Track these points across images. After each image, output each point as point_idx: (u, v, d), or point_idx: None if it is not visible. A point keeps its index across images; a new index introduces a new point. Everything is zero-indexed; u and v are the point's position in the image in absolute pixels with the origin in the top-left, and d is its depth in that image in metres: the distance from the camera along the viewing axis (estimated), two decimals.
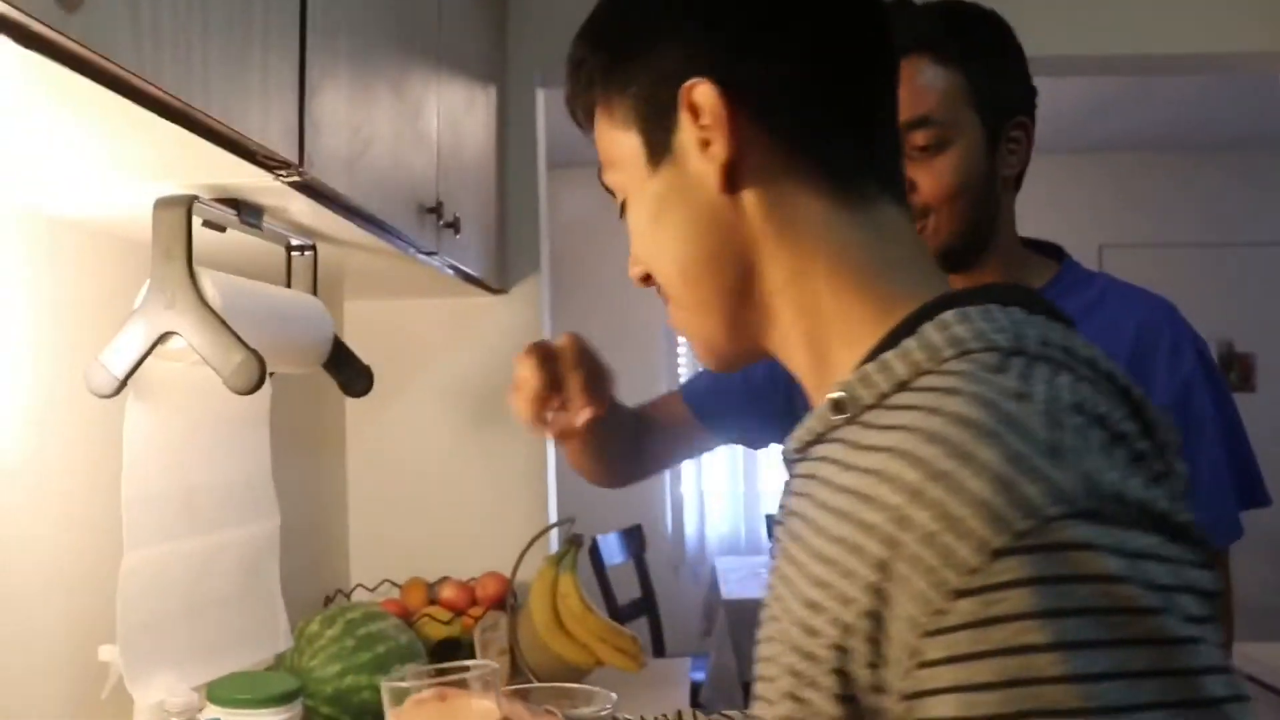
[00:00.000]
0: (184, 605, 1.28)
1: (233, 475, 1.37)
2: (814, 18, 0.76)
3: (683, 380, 5.24)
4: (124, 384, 1.13)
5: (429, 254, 1.70)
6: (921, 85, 1.20)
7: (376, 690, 1.58)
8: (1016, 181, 1.30)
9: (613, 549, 4.28)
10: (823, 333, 0.75)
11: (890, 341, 0.68)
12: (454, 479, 2.39)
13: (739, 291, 0.77)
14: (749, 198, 0.74)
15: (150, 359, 1.14)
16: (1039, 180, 5.72)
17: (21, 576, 1.22)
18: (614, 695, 1.07)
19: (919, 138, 1.18)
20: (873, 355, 0.69)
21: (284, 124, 1.06)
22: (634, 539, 4.47)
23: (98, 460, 1.32)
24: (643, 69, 0.77)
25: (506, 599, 2.13)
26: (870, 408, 0.67)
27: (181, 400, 1.27)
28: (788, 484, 0.77)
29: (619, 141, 0.79)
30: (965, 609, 0.54)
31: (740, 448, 5.26)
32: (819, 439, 0.71)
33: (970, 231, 1.23)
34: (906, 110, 0.93)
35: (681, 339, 5.26)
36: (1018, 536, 0.53)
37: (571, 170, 3.81)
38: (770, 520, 4.99)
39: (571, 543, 2.06)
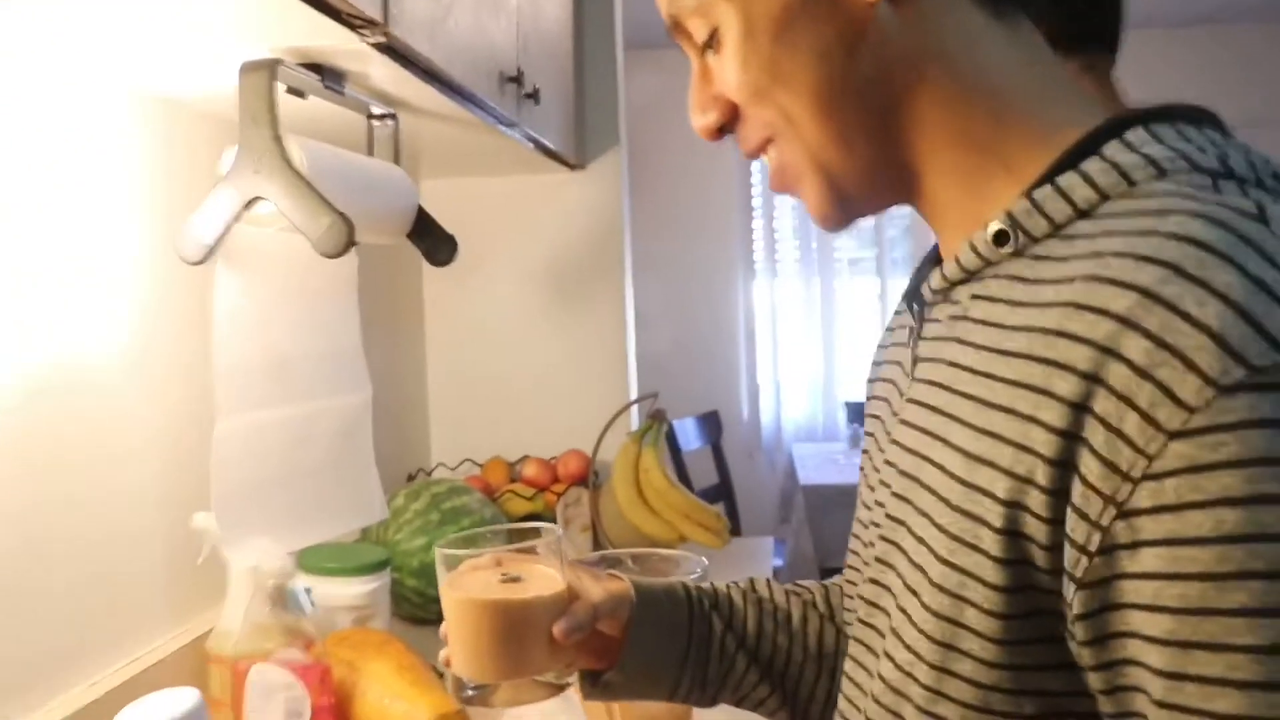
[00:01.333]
0: (278, 472, 1.32)
1: (324, 344, 1.40)
2: None
3: (758, 266, 5.23)
4: (212, 250, 1.15)
5: (509, 125, 1.69)
6: None
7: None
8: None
9: (689, 434, 4.32)
10: (979, 161, 0.66)
11: (1064, 165, 0.61)
12: (533, 357, 2.41)
13: (887, 119, 0.66)
14: (904, 3, 0.64)
15: (238, 225, 1.16)
16: (1142, 58, 5.53)
17: (119, 445, 1.27)
18: (704, 560, 1.08)
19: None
20: (1042, 181, 0.62)
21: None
22: (710, 425, 4.50)
23: (192, 329, 1.36)
24: None
25: (589, 475, 2.16)
26: (1041, 239, 0.61)
27: (270, 267, 1.29)
28: (915, 330, 0.72)
29: None
30: (1181, 452, 0.48)
31: (819, 334, 5.26)
32: (971, 277, 0.65)
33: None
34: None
35: (758, 220, 5.22)
36: (1254, 373, 0.47)
37: (645, 52, 3.76)
38: (851, 406, 5.00)
39: (654, 418, 2.08)
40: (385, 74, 1.26)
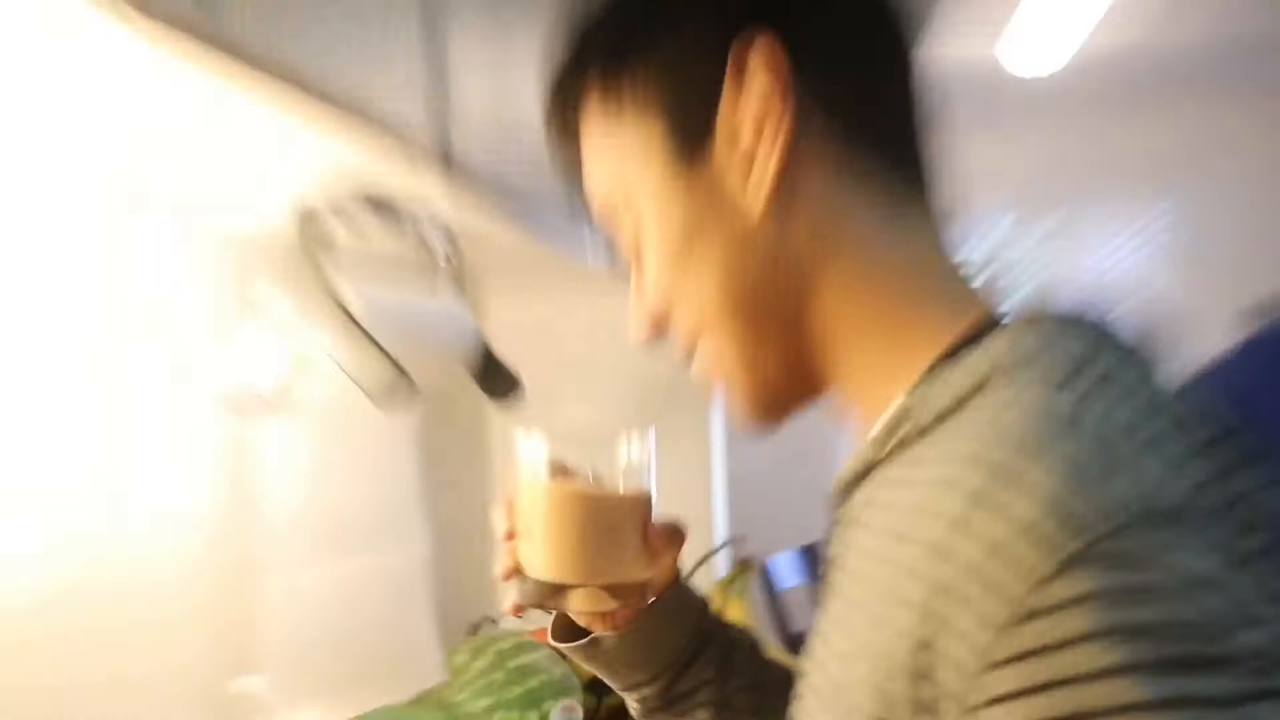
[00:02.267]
0: (330, 633, 1.31)
1: (379, 496, 1.40)
2: None
3: None
4: (267, 402, 1.17)
5: (577, 246, 1.72)
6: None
7: None
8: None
9: (788, 570, 4.24)
10: (881, 354, 0.70)
11: (949, 358, 0.65)
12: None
13: (790, 321, 0.70)
14: (805, 201, 0.67)
15: (292, 374, 1.17)
16: None
17: (160, 614, 1.27)
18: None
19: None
20: (930, 374, 0.66)
21: (427, 118, 1.08)
22: (813, 558, 4.42)
23: (239, 484, 1.37)
24: (671, 32, 0.68)
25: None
26: (924, 430, 0.64)
27: (324, 418, 1.30)
28: (834, 526, 0.74)
29: (627, 142, 0.71)
30: (1015, 642, 0.51)
31: None
32: (869, 469, 0.68)
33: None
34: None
35: None
36: (1068, 558, 0.50)
37: None
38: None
39: (742, 566, 2.05)
40: (444, 207, 1.28)
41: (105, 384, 1.19)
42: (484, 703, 1.72)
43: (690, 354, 0.76)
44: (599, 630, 0.91)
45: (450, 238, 1.44)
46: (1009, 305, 0.69)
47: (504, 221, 1.37)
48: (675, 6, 0.69)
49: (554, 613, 0.91)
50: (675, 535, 0.84)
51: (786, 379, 0.74)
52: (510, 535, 0.86)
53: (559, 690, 1.77)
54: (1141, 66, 4.58)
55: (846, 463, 0.70)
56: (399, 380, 1.10)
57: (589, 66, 0.73)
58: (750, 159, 0.67)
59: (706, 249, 0.70)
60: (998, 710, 0.51)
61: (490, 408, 1.51)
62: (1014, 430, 0.56)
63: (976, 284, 0.71)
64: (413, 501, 1.45)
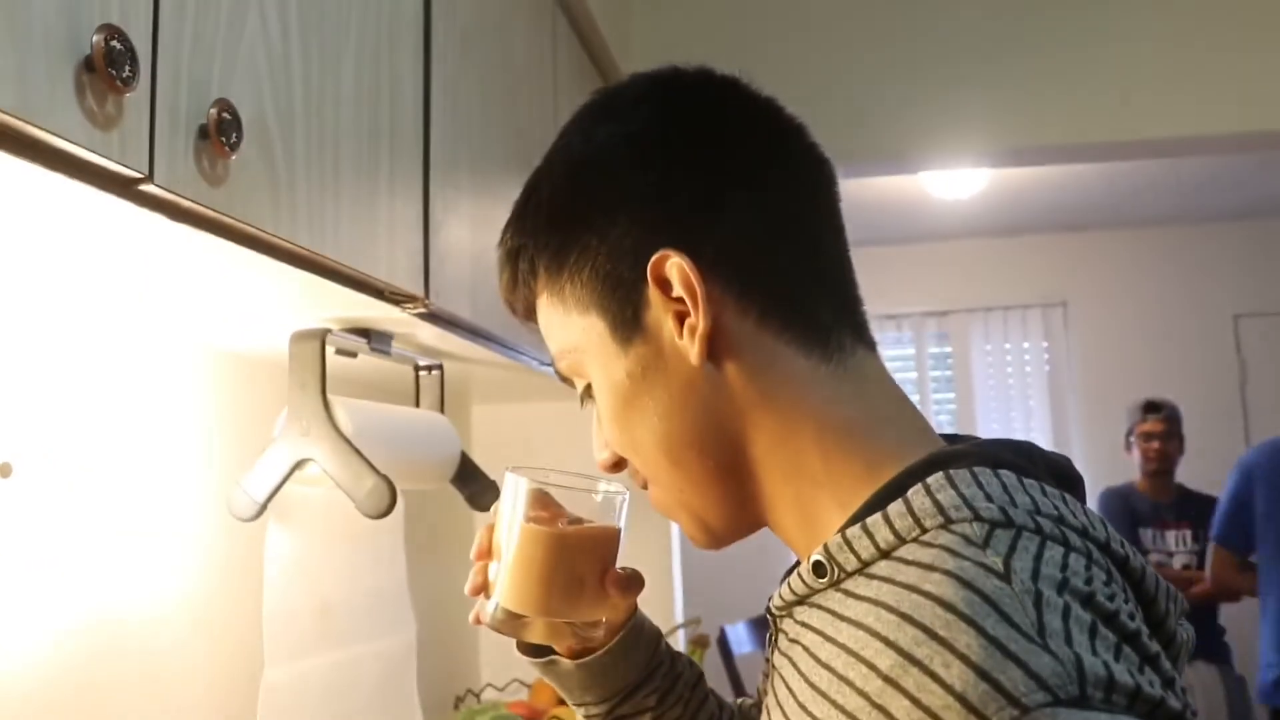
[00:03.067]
0: (324, 718, 1.32)
1: (369, 589, 1.42)
2: (759, 167, 0.74)
3: None
4: (264, 508, 1.19)
5: (549, 364, 1.74)
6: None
7: None
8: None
9: (743, 638, 4.24)
10: (812, 495, 0.72)
11: (876, 504, 0.66)
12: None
13: (728, 463, 0.73)
14: (730, 365, 0.71)
15: (289, 483, 1.20)
16: (1170, 251, 5.60)
17: (168, 699, 1.28)
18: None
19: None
20: (856, 518, 0.66)
21: (409, 261, 1.12)
22: (767, 627, 4.42)
23: (246, 581, 1.39)
24: (598, 248, 0.73)
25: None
26: (851, 574, 0.65)
27: (318, 522, 1.33)
28: (771, 637, 0.76)
29: (574, 327, 0.76)
30: None
31: None
32: (801, 600, 0.69)
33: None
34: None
35: None
36: None
37: None
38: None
39: (697, 644, 2.06)
40: (429, 334, 1.32)
41: (112, 487, 1.21)
42: None
43: (644, 485, 0.80)
44: (558, 651, 0.92)
45: (430, 358, 1.48)
46: (928, 446, 0.71)
47: (478, 347, 1.41)
48: (596, 234, 0.74)
49: None
50: (634, 581, 0.83)
51: (726, 519, 0.77)
52: (481, 555, 0.87)
53: None
54: (1047, 191, 4.76)
55: (782, 588, 0.71)
56: (384, 492, 1.12)
57: (534, 267, 0.78)
58: (675, 348, 0.72)
59: (649, 399, 0.73)
60: None
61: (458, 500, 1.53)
62: (944, 590, 0.56)
63: (897, 424, 0.73)
64: (401, 590, 1.47)
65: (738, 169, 0.74)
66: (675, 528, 2.45)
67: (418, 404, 1.52)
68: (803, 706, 0.62)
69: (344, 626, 1.36)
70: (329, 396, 1.19)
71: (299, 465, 1.18)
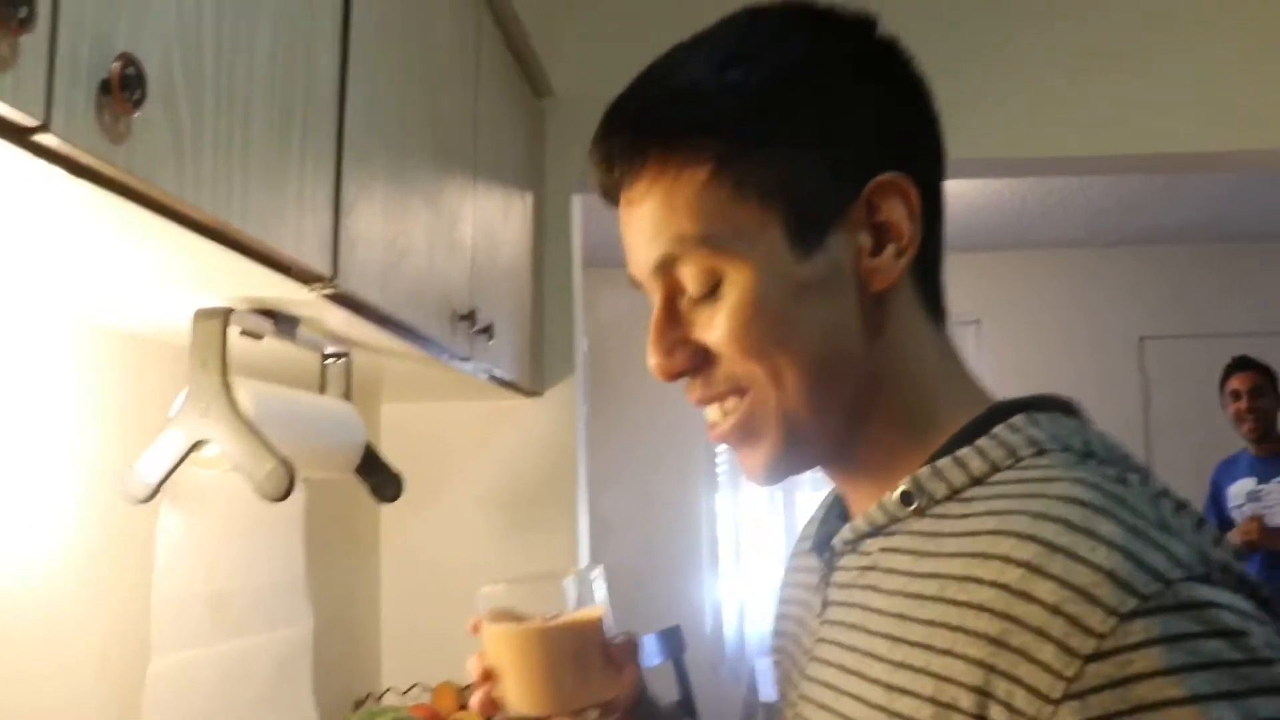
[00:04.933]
0: (213, 711, 1.29)
1: (265, 579, 1.39)
2: (938, 126, 0.79)
3: (720, 479, 5.30)
4: (157, 490, 1.16)
5: (462, 359, 1.73)
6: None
7: None
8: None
9: (650, 650, 4.24)
10: (903, 438, 0.75)
11: (961, 441, 0.71)
12: (486, 578, 2.39)
13: (855, 396, 0.74)
14: (891, 305, 0.74)
15: (186, 465, 1.17)
16: (1078, 273, 5.74)
17: (51, 680, 1.24)
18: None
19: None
20: (942, 453, 0.72)
21: (319, 240, 1.11)
22: (672, 640, 4.43)
23: (134, 566, 1.35)
24: (810, 146, 0.73)
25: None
26: (940, 501, 0.70)
27: (215, 506, 1.30)
28: (825, 577, 0.79)
29: (739, 214, 0.72)
30: (1099, 671, 0.55)
31: (782, 547, 5.27)
32: (878, 531, 0.73)
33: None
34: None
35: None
36: (1145, 600, 0.56)
37: (612, 270, 3.87)
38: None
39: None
40: (337, 318, 1.30)
41: (21, 456, 1.17)
42: None
43: (716, 399, 0.76)
44: None
45: (338, 345, 1.46)
46: (990, 402, 0.77)
47: (389, 336, 1.39)
48: (814, 132, 0.73)
49: None
50: (631, 647, 0.84)
51: (816, 448, 0.77)
52: (484, 678, 0.87)
53: None
54: (961, 211, 4.85)
55: (854, 522, 0.75)
56: (283, 475, 1.10)
57: (706, 140, 0.73)
58: (858, 269, 0.73)
59: (821, 310, 0.73)
60: None
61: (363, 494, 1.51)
62: (1074, 491, 0.62)
63: (970, 382, 0.79)
64: (298, 582, 1.44)
65: (932, 118, 0.79)
66: (583, 522, 2.45)
67: (323, 393, 1.49)
68: (901, 616, 0.66)
69: (237, 616, 1.33)
70: (231, 378, 1.17)
71: (196, 446, 1.16)
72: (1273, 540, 3.68)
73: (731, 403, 0.76)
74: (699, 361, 0.75)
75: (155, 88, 0.76)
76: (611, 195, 0.79)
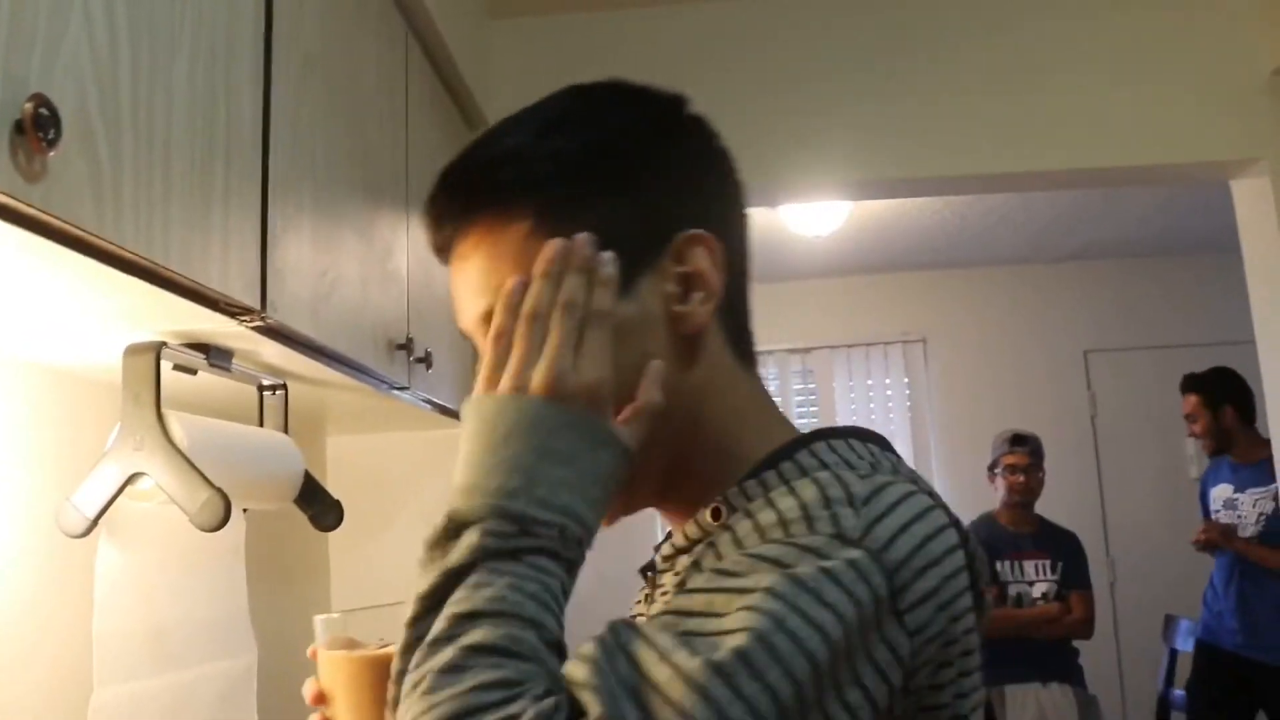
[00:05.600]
0: None
1: (206, 611, 1.41)
2: (740, 186, 0.88)
3: None
4: (95, 523, 1.18)
5: (400, 389, 1.76)
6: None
7: None
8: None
9: None
10: (723, 471, 0.81)
11: (767, 464, 0.80)
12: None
13: (674, 434, 0.81)
14: (700, 348, 0.82)
15: (122, 499, 1.19)
16: (1022, 289, 5.80)
17: None
18: None
19: None
20: (747, 477, 0.80)
21: (246, 273, 1.13)
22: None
23: (74, 599, 1.36)
24: (621, 203, 0.81)
25: None
26: (738, 512, 0.77)
27: (153, 538, 1.31)
28: (649, 595, 0.87)
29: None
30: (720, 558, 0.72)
31: None
32: (692, 546, 0.80)
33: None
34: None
35: None
36: (787, 536, 0.69)
37: None
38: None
39: None
40: (270, 350, 1.32)
41: None
42: None
43: None
44: None
45: (274, 377, 1.48)
46: (802, 431, 0.85)
47: (324, 367, 1.42)
48: (618, 197, 0.81)
49: None
50: None
51: (645, 485, 0.83)
52: (315, 700, 0.90)
53: None
54: (905, 229, 4.93)
55: (672, 539, 0.84)
56: (218, 505, 1.13)
57: (524, 200, 0.80)
58: (665, 314, 0.81)
59: (622, 361, 0.78)
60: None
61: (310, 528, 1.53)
62: (817, 475, 0.73)
63: (780, 417, 0.88)
64: (240, 614, 1.46)
65: (732, 179, 0.88)
66: None
67: (261, 425, 1.51)
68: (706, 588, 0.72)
69: (179, 648, 1.34)
70: (165, 411, 1.19)
71: (131, 480, 1.18)
72: (1227, 543, 3.78)
73: None
74: None
75: (71, 127, 0.79)
76: (443, 253, 0.86)
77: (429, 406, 1.99)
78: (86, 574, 1.25)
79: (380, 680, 0.85)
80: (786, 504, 0.72)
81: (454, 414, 2.17)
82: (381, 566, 2.43)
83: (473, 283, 0.83)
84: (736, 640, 0.63)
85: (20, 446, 1.33)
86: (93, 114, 0.84)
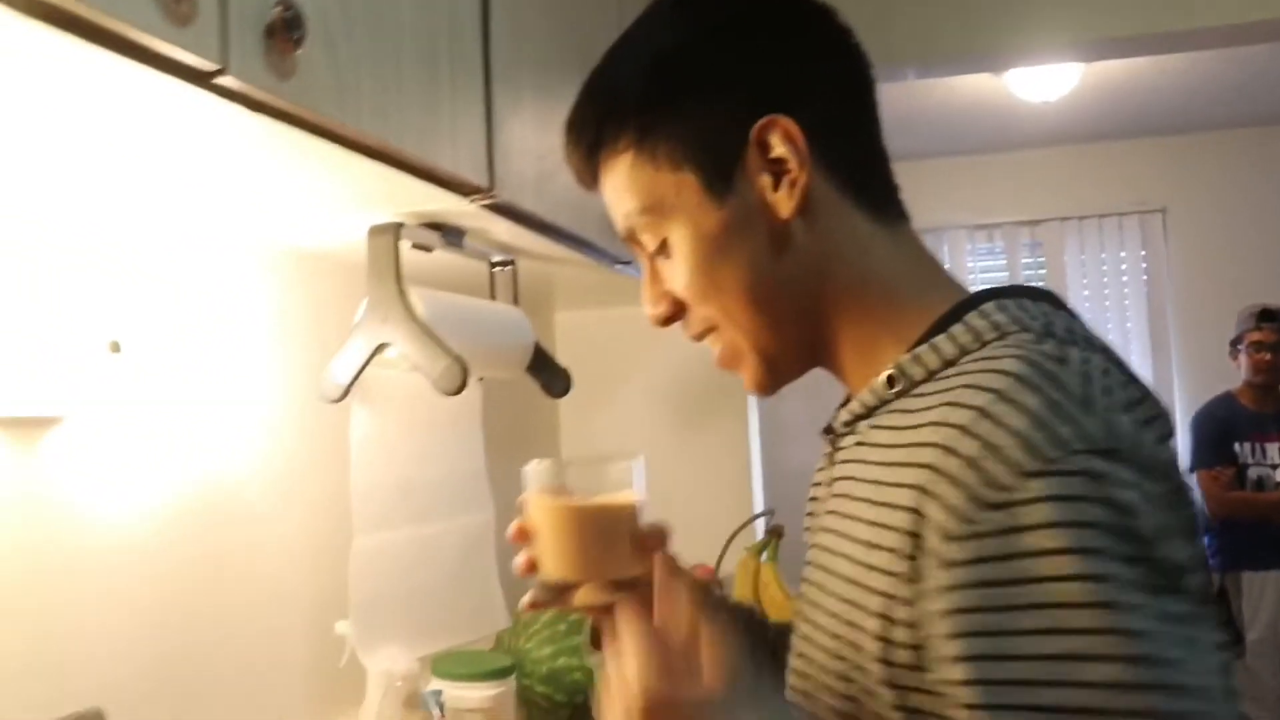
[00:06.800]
0: (407, 586, 1.44)
1: (448, 471, 1.53)
2: (834, 56, 0.88)
3: None
4: (348, 390, 1.30)
5: (624, 263, 1.81)
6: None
7: (588, 671, 1.71)
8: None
9: None
10: (874, 333, 0.84)
11: (937, 329, 0.80)
12: (662, 475, 2.49)
13: (804, 307, 0.85)
14: (812, 221, 0.83)
15: (371, 367, 1.30)
16: (1275, 154, 5.27)
17: (269, 560, 1.41)
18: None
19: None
20: (920, 342, 0.80)
21: (473, 154, 1.20)
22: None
23: (334, 457, 1.50)
24: (699, 109, 0.84)
25: (711, 588, 2.23)
26: (919, 383, 0.78)
27: (399, 403, 1.43)
28: (831, 456, 0.88)
29: (664, 182, 0.85)
30: (994, 519, 0.65)
31: None
32: (870, 413, 0.82)
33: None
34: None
35: None
36: (1048, 462, 0.65)
37: None
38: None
39: (773, 533, 2.14)
40: (499, 228, 1.40)
41: (226, 371, 1.32)
42: (548, 650, 1.83)
43: (701, 337, 0.91)
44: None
45: (504, 253, 1.56)
46: (967, 293, 0.84)
47: (550, 243, 1.49)
48: (696, 101, 0.84)
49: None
50: (660, 535, 0.90)
51: (792, 359, 0.89)
52: (516, 538, 0.95)
53: None
54: (1141, 91, 4.61)
55: (850, 405, 0.85)
56: (457, 370, 1.21)
57: (622, 129, 0.86)
58: (766, 203, 0.83)
59: (740, 248, 0.84)
60: (960, 571, 0.66)
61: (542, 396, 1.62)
62: (1011, 367, 0.70)
63: (939, 276, 0.88)
64: (478, 473, 1.57)
65: (819, 55, 0.86)
66: (754, 423, 2.53)
67: (493, 299, 1.61)
68: (878, 482, 0.75)
69: (424, 503, 1.47)
70: (405, 286, 1.28)
71: (379, 350, 1.28)
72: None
73: (712, 337, 0.89)
74: (677, 309, 0.90)
75: (313, 28, 0.86)
76: (585, 184, 0.94)
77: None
78: (341, 435, 1.38)
79: (583, 529, 0.90)
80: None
81: None
82: (607, 434, 2.53)
83: (611, 208, 0.91)
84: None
85: (278, 325, 1.46)
86: (331, 12, 0.90)
